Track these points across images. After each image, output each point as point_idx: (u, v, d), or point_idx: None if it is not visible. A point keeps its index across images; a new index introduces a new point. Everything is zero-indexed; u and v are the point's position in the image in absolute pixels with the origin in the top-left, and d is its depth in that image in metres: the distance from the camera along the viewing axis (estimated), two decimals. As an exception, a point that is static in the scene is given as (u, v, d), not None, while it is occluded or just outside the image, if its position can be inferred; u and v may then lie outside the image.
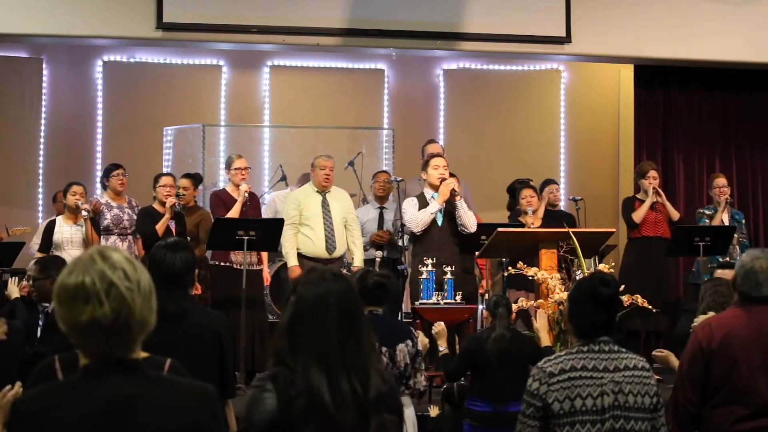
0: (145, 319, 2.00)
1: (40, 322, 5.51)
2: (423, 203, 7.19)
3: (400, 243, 7.70)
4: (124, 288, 1.96)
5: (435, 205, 7.11)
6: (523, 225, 7.81)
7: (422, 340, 5.07)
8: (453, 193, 7.10)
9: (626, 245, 8.32)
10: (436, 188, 7.20)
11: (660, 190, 8.41)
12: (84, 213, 7.50)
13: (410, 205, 7.23)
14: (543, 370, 3.21)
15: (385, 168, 9.53)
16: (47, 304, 5.67)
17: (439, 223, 7.17)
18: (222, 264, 7.54)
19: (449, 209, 7.16)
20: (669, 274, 8.57)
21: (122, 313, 1.94)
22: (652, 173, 8.42)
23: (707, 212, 8.64)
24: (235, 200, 7.57)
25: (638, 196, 8.55)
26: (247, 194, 7.55)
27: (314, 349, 2.42)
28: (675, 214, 8.44)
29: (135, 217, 7.77)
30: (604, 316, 3.27)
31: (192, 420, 1.99)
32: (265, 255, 7.81)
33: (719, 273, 5.92)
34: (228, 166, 7.80)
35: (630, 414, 3.20)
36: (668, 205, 8.46)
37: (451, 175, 7.95)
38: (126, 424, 1.92)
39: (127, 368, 1.98)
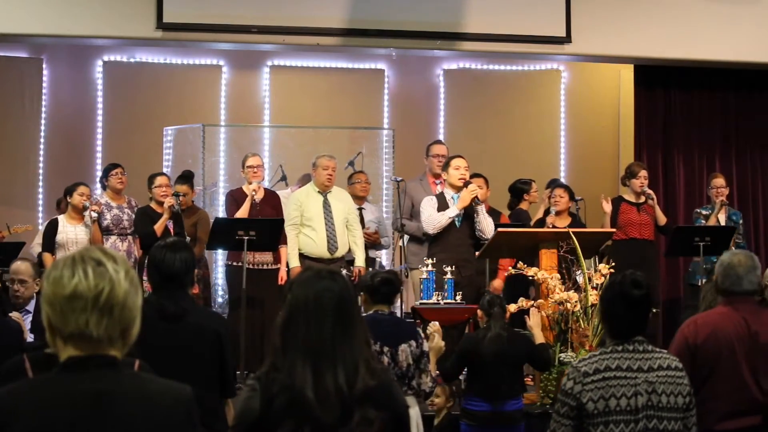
0: (130, 310, 2.01)
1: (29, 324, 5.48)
2: (442, 203, 7.15)
3: (400, 243, 7.70)
4: (112, 268, 1.99)
5: (454, 210, 7.06)
6: (543, 224, 7.80)
7: (437, 342, 5.07)
8: (475, 202, 7.08)
9: (611, 247, 7.94)
10: (456, 189, 7.17)
11: (653, 193, 8.37)
12: (93, 214, 7.50)
13: (429, 204, 7.18)
14: (578, 369, 3.23)
15: (385, 168, 9.54)
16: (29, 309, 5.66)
17: (457, 224, 7.14)
18: (236, 264, 7.53)
19: (469, 212, 7.14)
20: (658, 276, 8.57)
21: (105, 290, 1.97)
22: (643, 173, 8.35)
23: (704, 212, 8.61)
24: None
25: (624, 196, 8.52)
26: (255, 193, 7.56)
27: (303, 345, 2.44)
28: (662, 219, 8.38)
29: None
30: (637, 316, 3.29)
31: (166, 419, 2.00)
32: (283, 254, 7.67)
33: None
34: (242, 165, 7.81)
35: (663, 414, 3.21)
36: (658, 208, 8.42)
37: (479, 176, 7.95)
38: (101, 419, 1.94)
39: (105, 364, 1.99)
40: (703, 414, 3.70)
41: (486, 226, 7.09)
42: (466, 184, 7.13)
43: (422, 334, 4.79)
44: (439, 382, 6.42)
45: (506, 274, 7.47)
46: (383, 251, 8.72)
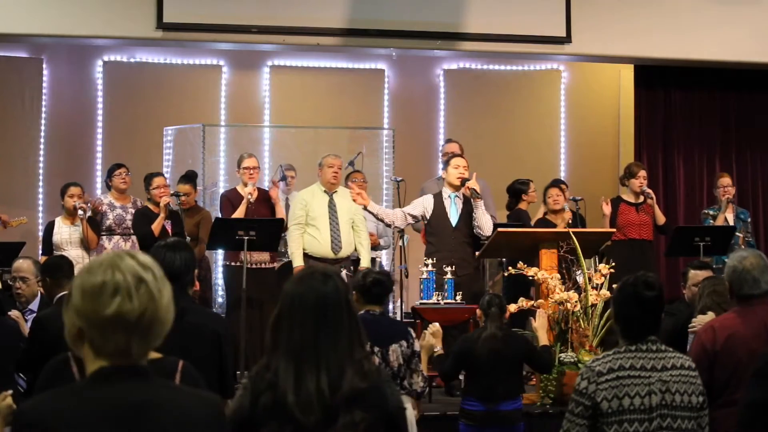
0: (165, 324, 1.98)
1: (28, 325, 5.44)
2: (439, 202, 7.17)
3: (400, 243, 7.69)
4: (154, 286, 1.94)
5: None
6: (554, 224, 7.78)
7: (428, 341, 5.06)
8: (474, 195, 7.07)
9: (610, 248, 7.73)
10: (455, 188, 7.18)
11: (652, 192, 8.37)
12: (80, 213, 7.50)
13: (416, 202, 7.24)
14: (592, 369, 3.23)
15: (385, 168, 9.54)
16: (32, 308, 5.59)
17: (454, 223, 7.14)
18: (234, 263, 7.51)
19: (468, 209, 7.14)
20: (658, 277, 8.54)
21: (148, 311, 1.93)
22: (642, 173, 8.36)
23: (711, 212, 8.61)
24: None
25: (623, 196, 8.52)
26: (251, 195, 7.51)
27: (287, 346, 2.45)
28: (661, 218, 8.38)
29: (136, 217, 7.77)
30: (650, 317, 3.29)
31: (201, 427, 1.96)
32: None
33: (692, 274, 5.85)
34: (238, 165, 7.80)
35: (677, 413, 3.21)
36: (657, 208, 8.42)
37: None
38: (136, 430, 1.88)
39: (138, 374, 1.94)
40: (725, 417, 3.69)
41: (484, 223, 7.08)
42: (464, 182, 7.14)
43: (413, 335, 4.79)
44: (438, 383, 6.44)
45: (506, 274, 7.42)
46: (383, 251, 8.71)
